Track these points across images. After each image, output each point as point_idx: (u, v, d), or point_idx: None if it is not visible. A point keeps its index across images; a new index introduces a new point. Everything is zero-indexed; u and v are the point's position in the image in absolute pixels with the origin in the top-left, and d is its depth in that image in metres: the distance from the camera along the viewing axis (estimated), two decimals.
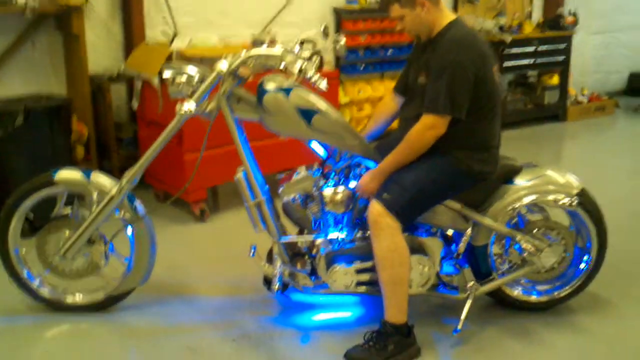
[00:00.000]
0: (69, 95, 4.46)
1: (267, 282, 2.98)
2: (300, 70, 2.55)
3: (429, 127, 2.64)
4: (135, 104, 4.29)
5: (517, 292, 3.05)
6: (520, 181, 2.91)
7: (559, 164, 5.86)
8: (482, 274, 2.95)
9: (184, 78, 2.78)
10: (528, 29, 6.94)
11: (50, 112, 3.93)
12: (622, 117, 7.61)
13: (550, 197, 2.90)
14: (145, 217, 2.93)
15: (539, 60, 7.06)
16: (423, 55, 2.76)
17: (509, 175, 2.90)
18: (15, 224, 2.92)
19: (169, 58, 3.96)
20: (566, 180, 2.95)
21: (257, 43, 4.69)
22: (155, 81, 3.98)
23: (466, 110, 2.64)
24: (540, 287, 3.07)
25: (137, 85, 4.24)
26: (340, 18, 5.84)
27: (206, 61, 4.03)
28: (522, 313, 3.06)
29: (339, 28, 5.83)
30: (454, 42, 2.62)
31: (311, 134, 2.79)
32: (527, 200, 2.89)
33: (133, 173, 2.85)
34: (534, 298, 3.06)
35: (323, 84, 2.56)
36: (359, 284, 2.87)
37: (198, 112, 2.71)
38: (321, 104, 2.80)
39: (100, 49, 4.68)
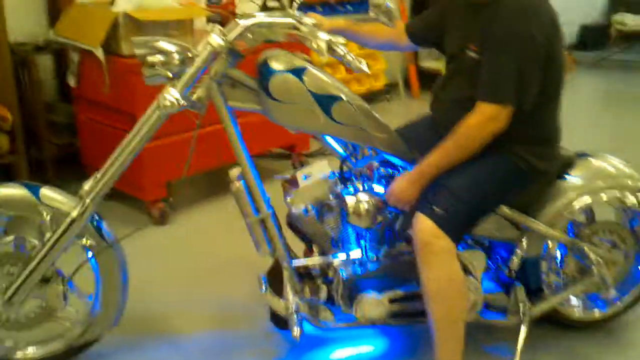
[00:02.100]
0: None
1: (276, 318, 2.35)
2: (330, 47, 1.91)
3: (489, 118, 2.04)
4: (72, 81, 3.50)
5: (576, 311, 2.54)
6: (576, 176, 2.37)
7: None
8: (531, 291, 2.42)
9: (159, 57, 2.10)
10: None
11: None
12: (585, 74, 7.23)
13: (611, 195, 2.38)
14: (115, 245, 2.24)
15: None
16: (473, 18, 2.14)
17: (563, 169, 2.37)
18: None
19: (115, 23, 3.18)
20: (626, 172, 2.44)
21: (211, 0, 3.99)
22: (100, 53, 3.20)
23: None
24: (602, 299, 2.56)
25: (72, 57, 3.44)
26: None
27: (160, 26, 3.29)
28: (568, 333, 2.55)
29: None
30: (521, 7, 2.01)
31: (330, 126, 2.15)
32: (585, 200, 2.36)
33: (99, 188, 2.14)
34: (597, 313, 2.56)
35: (364, 65, 1.93)
36: (394, 315, 2.30)
37: (187, 105, 2.04)
38: (341, 88, 2.17)
39: (18, 10, 3.82)
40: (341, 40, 1.92)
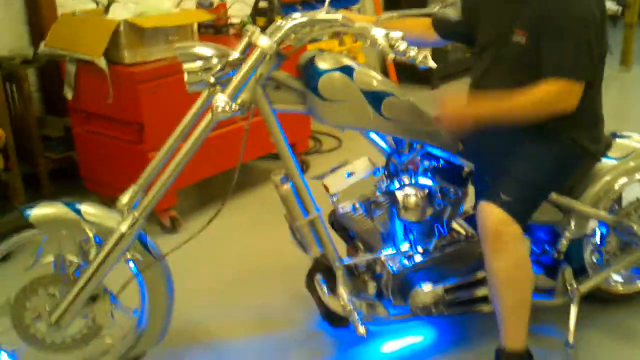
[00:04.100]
0: None
1: (331, 317, 2.33)
2: (391, 44, 1.87)
3: (565, 91, 2.01)
4: (69, 93, 3.38)
5: (619, 285, 2.61)
6: (614, 157, 2.41)
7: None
8: (574, 271, 2.45)
9: (198, 64, 2.03)
10: None
11: None
12: None
13: None
14: (162, 259, 2.17)
15: None
16: (517, 3, 2.12)
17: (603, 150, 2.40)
18: None
19: (116, 31, 3.08)
20: None
21: (202, 4, 3.90)
22: (103, 63, 3.10)
23: None
24: None
25: (69, 69, 3.32)
26: None
27: (161, 32, 3.21)
28: (611, 308, 2.61)
29: None
30: None
31: (380, 123, 2.13)
32: (623, 181, 2.39)
33: (149, 201, 2.07)
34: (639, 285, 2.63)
35: (430, 60, 1.90)
36: (449, 305, 2.30)
37: (239, 110, 1.98)
38: (389, 84, 2.15)
39: None
40: (399, 35, 1.89)
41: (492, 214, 2.04)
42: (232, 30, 3.92)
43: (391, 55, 1.86)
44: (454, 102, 2.12)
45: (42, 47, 3.41)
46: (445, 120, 2.12)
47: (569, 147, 2.18)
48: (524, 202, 2.09)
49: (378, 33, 1.90)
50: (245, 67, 1.97)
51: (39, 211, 2.06)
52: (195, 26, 3.75)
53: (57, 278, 2.11)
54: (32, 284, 2.09)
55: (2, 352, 2.18)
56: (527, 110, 2.05)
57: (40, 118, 3.73)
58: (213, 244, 3.24)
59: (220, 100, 1.93)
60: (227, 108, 1.93)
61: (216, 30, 3.85)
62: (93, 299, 2.13)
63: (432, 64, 1.88)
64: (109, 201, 3.49)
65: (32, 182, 3.63)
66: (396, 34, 1.89)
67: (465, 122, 2.08)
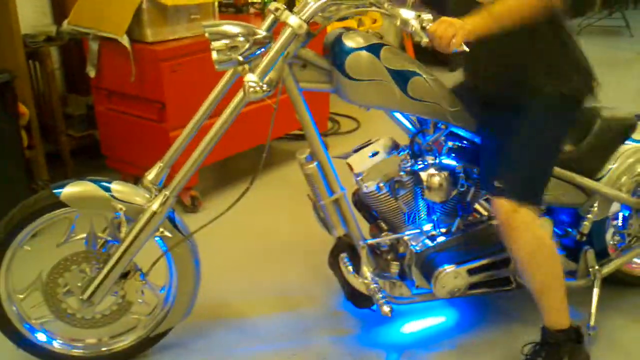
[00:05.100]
0: None
1: (355, 298, 2.35)
2: (423, 26, 1.87)
3: None
4: (92, 71, 3.40)
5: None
6: (638, 139, 2.41)
7: None
8: (596, 253, 2.46)
9: (225, 42, 2.03)
10: None
11: None
12: None
13: None
14: (190, 237, 2.20)
15: None
16: None
17: (625, 133, 2.40)
18: (7, 268, 2.12)
19: (138, 9, 3.09)
20: None
21: None
22: (126, 41, 3.11)
23: None
24: None
25: (92, 47, 3.33)
26: None
27: (183, 10, 3.23)
28: (631, 290, 2.63)
29: None
30: None
31: (405, 103, 2.13)
32: None
33: (180, 179, 2.10)
34: None
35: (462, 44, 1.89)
36: (472, 286, 2.32)
37: (270, 90, 1.99)
38: (415, 63, 2.16)
39: (22, 2, 3.68)
40: (430, 17, 1.88)
41: (500, 206, 2.03)
42: (252, 9, 3.93)
43: (425, 40, 1.84)
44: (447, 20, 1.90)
45: (65, 25, 3.42)
46: (437, 33, 1.86)
47: (542, 102, 2.11)
48: (526, 184, 2.07)
49: (408, 15, 1.89)
50: (275, 47, 1.98)
51: (70, 189, 2.09)
52: (216, 4, 3.77)
53: (89, 255, 2.15)
54: (64, 261, 2.13)
55: (39, 333, 2.22)
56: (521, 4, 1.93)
57: (62, 96, 3.76)
58: (236, 222, 3.27)
59: (252, 80, 1.93)
60: (259, 89, 1.93)
61: (236, 9, 3.87)
62: (124, 276, 2.17)
63: (465, 47, 1.86)
64: (130, 179, 3.57)
65: (55, 160, 3.67)
66: (427, 16, 1.87)
67: (461, 32, 1.85)
